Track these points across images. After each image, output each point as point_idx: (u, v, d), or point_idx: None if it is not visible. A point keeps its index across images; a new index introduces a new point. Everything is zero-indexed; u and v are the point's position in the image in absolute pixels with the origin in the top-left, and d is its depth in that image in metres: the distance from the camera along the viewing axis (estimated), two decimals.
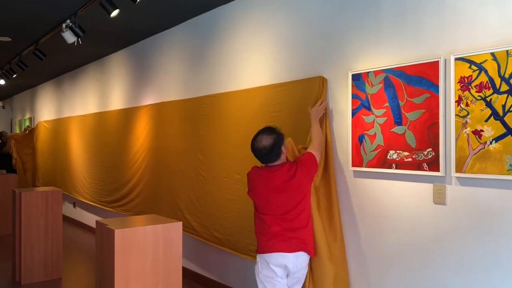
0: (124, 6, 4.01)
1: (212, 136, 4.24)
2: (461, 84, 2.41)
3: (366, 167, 2.89)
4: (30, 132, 9.60)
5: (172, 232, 2.95)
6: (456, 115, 2.43)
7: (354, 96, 2.95)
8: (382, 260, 2.84)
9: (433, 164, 2.53)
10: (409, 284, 2.70)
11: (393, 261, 2.78)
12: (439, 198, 2.54)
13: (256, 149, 2.70)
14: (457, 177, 2.46)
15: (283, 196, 2.66)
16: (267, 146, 2.66)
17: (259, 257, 2.70)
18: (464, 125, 2.39)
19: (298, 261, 2.66)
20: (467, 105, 2.38)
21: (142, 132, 5.49)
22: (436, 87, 2.52)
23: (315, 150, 2.83)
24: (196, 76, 4.63)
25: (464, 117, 2.39)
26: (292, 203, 2.67)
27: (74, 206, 7.96)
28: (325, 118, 3.09)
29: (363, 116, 2.90)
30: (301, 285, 2.81)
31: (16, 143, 9.29)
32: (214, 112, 4.24)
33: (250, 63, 3.91)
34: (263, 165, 2.77)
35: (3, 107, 13.37)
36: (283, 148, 2.72)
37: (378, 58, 2.85)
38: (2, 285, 4.59)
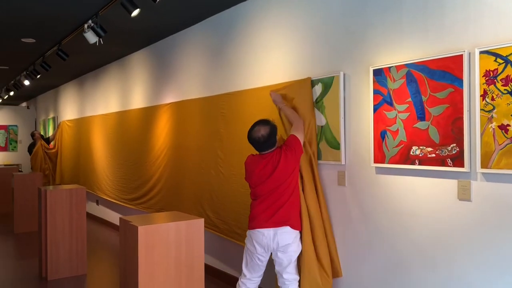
0: (144, 5, 4.05)
1: (232, 134, 4.26)
2: (486, 78, 2.36)
3: (388, 163, 2.85)
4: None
5: (194, 228, 2.97)
6: (481, 109, 2.38)
7: (376, 92, 2.92)
8: (405, 258, 2.81)
9: (458, 160, 2.49)
10: (432, 282, 2.66)
11: (416, 258, 2.74)
12: (464, 195, 2.50)
13: (254, 139, 3.02)
14: (483, 173, 2.41)
15: (272, 179, 2.98)
16: (265, 135, 2.98)
17: (247, 232, 3.07)
18: (490, 119, 2.34)
19: (281, 237, 2.92)
20: (492, 99, 2.33)
21: (162, 130, 5.55)
22: (460, 81, 2.47)
23: (296, 131, 3.10)
24: (215, 74, 4.65)
25: (489, 111, 2.34)
26: (279, 182, 2.98)
27: (97, 204, 8.10)
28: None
29: (385, 112, 2.87)
30: (293, 265, 3.02)
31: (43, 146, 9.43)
32: (234, 110, 4.25)
33: (270, 60, 3.90)
34: (258, 153, 3.09)
35: (28, 108, 13.68)
36: (276, 139, 3.07)
37: (400, 53, 2.81)
38: (30, 281, 4.71)
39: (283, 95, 3.44)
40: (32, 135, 9.69)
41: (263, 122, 3.04)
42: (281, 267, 3.03)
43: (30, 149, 9.34)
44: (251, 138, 3.02)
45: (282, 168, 2.97)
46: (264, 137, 2.98)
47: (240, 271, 3.97)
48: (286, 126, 3.37)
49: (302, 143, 3.09)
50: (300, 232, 3.07)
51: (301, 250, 3.05)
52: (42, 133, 11.28)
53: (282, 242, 2.94)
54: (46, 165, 9.32)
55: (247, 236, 3.10)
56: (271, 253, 3.04)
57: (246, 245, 3.09)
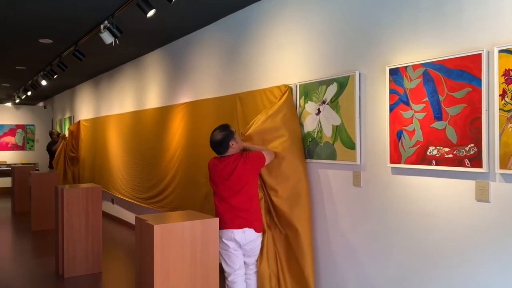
0: (159, 5, 4.08)
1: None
2: (506, 77, 2.32)
3: (404, 163, 2.83)
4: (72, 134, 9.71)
5: (209, 228, 2.99)
6: (500, 109, 2.34)
7: (392, 91, 2.90)
8: (421, 260, 2.78)
9: (476, 160, 2.45)
10: (449, 283, 2.63)
11: (432, 260, 2.71)
12: (482, 195, 2.46)
13: (211, 142, 3.31)
14: (502, 174, 2.37)
15: (230, 182, 3.22)
16: (218, 140, 3.25)
17: (219, 232, 3.19)
18: (509, 119, 2.30)
19: (245, 235, 3.21)
20: None
21: (177, 130, 5.58)
22: (478, 80, 2.43)
23: (266, 152, 3.36)
24: (230, 74, 4.66)
25: (509, 111, 2.31)
26: (237, 188, 3.22)
27: (113, 203, 8.18)
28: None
29: (401, 112, 2.84)
30: (256, 257, 3.38)
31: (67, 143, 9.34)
32: (248, 109, 4.25)
33: (284, 60, 3.90)
34: (218, 156, 3.34)
35: (45, 107, 13.89)
36: (232, 142, 3.26)
37: (416, 52, 2.78)
38: (47, 278, 4.78)
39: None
40: (51, 134, 9.78)
41: (221, 127, 3.32)
42: (249, 258, 3.36)
43: (49, 147, 9.40)
44: (210, 141, 3.33)
45: (240, 173, 3.21)
46: (217, 142, 3.26)
47: None
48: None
49: (265, 164, 3.33)
50: (262, 235, 3.39)
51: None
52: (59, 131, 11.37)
53: (248, 239, 3.23)
54: (70, 168, 9.33)
55: (219, 237, 3.20)
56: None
57: (220, 246, 3.21)
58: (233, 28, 4.62)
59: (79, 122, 9.63)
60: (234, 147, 3.28)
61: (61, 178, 8.94)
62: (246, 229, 3.20)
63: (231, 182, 3.21)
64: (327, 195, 3.46)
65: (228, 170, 3.22)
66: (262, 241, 3.40)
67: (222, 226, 3.18)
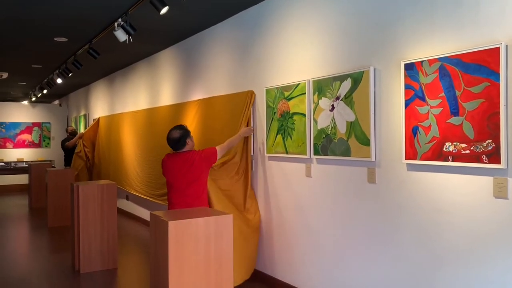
0: (172, 3, 4.09)
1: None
2: None
3: (420, 160, 2.79)
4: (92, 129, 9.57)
5: (223, 224, 2.99)
6: None
7: (407, 87, 2.86)
8: (436, 258, 2.74)
9: (494, 156, 2.41)
10: (464, 284, 2.59)
11: (448, 258, 2.68)
12: (500, 192, 2.42)
13: (169, 139, 3.77)
14: None
15: (187, 174, 3.68)
16: (176, 138, 3.73)
17: None
18: None
19: None
20: None
21: (190, 126, 5.56)
22: (496, 75, 2.39)
23: (220, 148, 3.88)
24: (243, 70, 4.65)
25: None
26: (192, 179, 3.68)
27: (127, 199, 8.26)
28: (249, 138, 4.37)
29: (417, 107, 2.80)
30: None
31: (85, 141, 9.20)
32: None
33: (297, 56, 3.87)
34: (173, 152, 3.78)
35: (60, 105, 14.07)
36: (188, 140, 3.76)
37: (432, 46, 2.74)
38: (63, 273, 4.85)
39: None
40: (67, 130, 9.72)
41: (178, 127, 3.82)
42: None
43: (63, 144, 9.28)
44: (167, 139, 3.78)
45: (197, 166, 3.69)
46: (176, 139, 3.73)
47: (265, 265, 3.98)
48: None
49: (219, 157, 3.87)
50: None
51: None
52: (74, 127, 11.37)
53: None
54: (89, 164, 9.23)
55: None
56: None
57: None
58: (246, 25, 4.61)
59: (98, 119, 9.58)
60: (190, 144, 3.77)
61: (85, 175, 8.97)
62: None
63: (189, 174, 3.68)
64: (341, 192, 3.44)
65: (187, 164, 3.68)
66: None
67: None
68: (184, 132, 3.77)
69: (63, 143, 9.33)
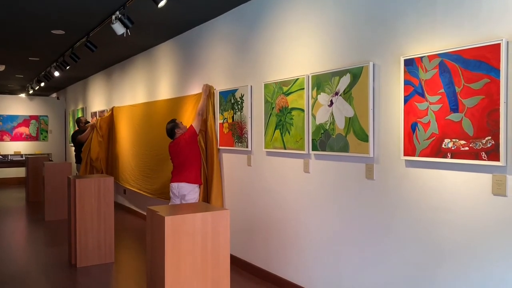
0: None
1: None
2: None
3: (419, 156, 2.78)
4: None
5: (220, 219, 2.98)
6: None
7: (407, 82, 2.84)
8: (436, 253, 2.73)
9: (493, 153, 2.40)
10: (463, 282, 2.58)
11: (447, 256, 2.67)
12: (499, 189, 2.40)
13: (166, 131, 4.93)
14: None
15: (180, 154, 4.81)
16: (169, 129, 4.90)
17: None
18: None
19: (181, 189, 4.73)
20: None
21: (188, 121, 5.55)
22: (497, 71, 2.37)
23: (195, 123, 4.88)
24: (242, 64, 4.62)
25: None
26: (182, 158, 4.80)
27: (124, 193, 8.24)
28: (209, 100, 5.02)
29: (416, 103, 2.78)
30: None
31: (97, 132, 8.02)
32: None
33: (297, 51, 3.85)
34: (171, 140, 4.92)
35: (58, 98, 14.00)
36: (177, 130, 4.85)
37: (432, 42, 2.72)
38: (60, 267, 4.84)
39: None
40: (78, 121, 8.42)
41: (171, 121, 4.95)
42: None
43: (74, 137, 8.20)
44: (166, 130, 4.92)
45: (183, 149, 4.79)
46: (168, 131, 4.90)
47: (263, 260, 3.99)
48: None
49: (197, 130, 4.87)
50: (199, 187, 4.85)
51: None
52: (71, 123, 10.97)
53: (181, 192, 4.74)
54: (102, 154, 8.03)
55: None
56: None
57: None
58: (245, 19, 4.57)
59: (112, 109, 8.44)
60: (179, 132, 4.85)
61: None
62: (182, 183, 4.73)
63: (180, 155, 4.79)
64: (339, 188, 3.43)
65: (178, 148, 4.81)
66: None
67: (171, 181, 4.83)
68: (174, 125, 4.89)
69: (74, 137, 8.22)
